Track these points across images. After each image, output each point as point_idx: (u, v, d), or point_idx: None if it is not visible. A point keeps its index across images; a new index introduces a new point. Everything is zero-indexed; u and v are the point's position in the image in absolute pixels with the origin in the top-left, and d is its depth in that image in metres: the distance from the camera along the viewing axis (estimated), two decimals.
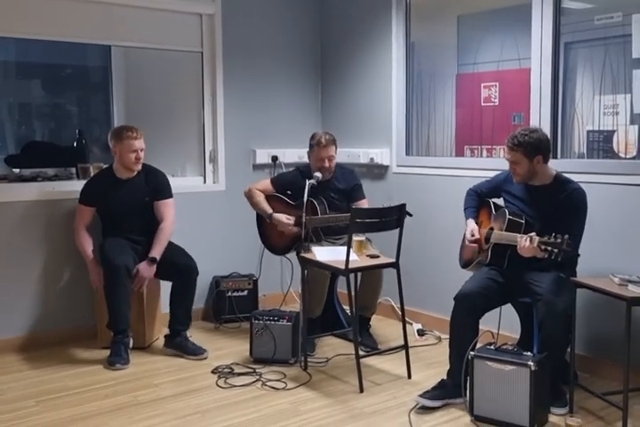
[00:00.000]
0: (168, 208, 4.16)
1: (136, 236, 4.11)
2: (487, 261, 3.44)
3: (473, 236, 3.54)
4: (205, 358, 3.99)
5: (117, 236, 4.07)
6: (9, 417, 3.19)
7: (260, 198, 4.35)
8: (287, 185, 4.39)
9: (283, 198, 4.37)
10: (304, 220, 3.96)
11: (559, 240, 3.01)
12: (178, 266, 4.07)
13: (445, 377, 3.37)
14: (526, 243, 3.11)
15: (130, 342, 3.96)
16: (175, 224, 4.17)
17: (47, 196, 4.23)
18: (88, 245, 4.06)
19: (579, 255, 3.36)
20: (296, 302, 4.95)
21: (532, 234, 3.11)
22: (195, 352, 4.02)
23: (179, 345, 4.07)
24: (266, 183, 4.43)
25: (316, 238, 4.17)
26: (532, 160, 3.28)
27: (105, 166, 4.32)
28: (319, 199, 4.21)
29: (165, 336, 4.15)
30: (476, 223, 3.62)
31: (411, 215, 3.85)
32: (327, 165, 4.23)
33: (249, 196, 4.39)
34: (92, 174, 4.40)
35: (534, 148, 3.26)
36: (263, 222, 4.40)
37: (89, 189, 4.11)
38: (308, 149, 4.33)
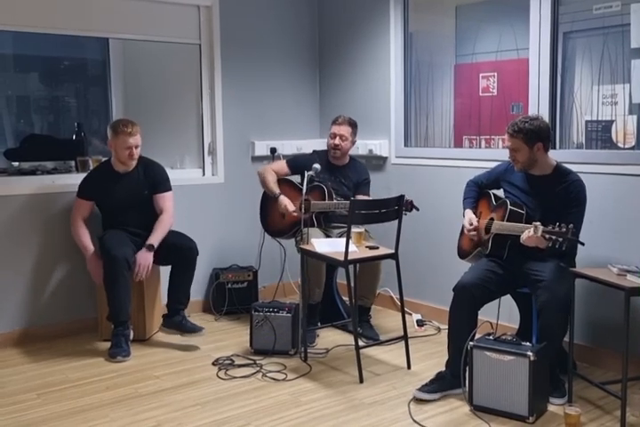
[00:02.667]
0: (167, 201, 4.16)
1: (136, 229, 4.11)
2: (487, 252, 3.45)
3: (471, 224, 3.55)
4: (203, 335, 4.06)
5: (117, 229, 4.08)
6: (10, 410, 3.20)
7: (272, 178, 4.36)
8: (302, 168, 4.35)
9: (292, 182, 4.40)
10: (302, 204, 4.01)
11: (564, 230, 3.00)
12: (176, 246, 4.07)
13: (444, 368, 3.39)
14: (531, 232, 3.11)
15: (130, 333, 3.97)
16: (174, 217, 4.18)
17: (46, 189, 4.23)
18: (86, 238, 4.05)
19: (583, 244, 3.35)
20: (293, 293, 4.96)
21: (537, 223, 3.09)
22: (193, 330, 4.06)
23: (177, 324, 4.09)
24: (281, 164, 4.47)
25: (317, 224, 4.19)
26: (532, 147, 3.28)
27: (104, 160, 4.31)
28: (327, 185, 4.23)
29: (163, 316, 4.17)
30: (475, 214, 3.63)
31: (418, 209, 3.84)
32: (337, 141, 4.28)
33: (262, 173, 4.40)
34: (90, 167, 4.40)
35: (534, 134, 3.25)
36: (267, 202, 4.41)
37: (87, 184, 4.10)
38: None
